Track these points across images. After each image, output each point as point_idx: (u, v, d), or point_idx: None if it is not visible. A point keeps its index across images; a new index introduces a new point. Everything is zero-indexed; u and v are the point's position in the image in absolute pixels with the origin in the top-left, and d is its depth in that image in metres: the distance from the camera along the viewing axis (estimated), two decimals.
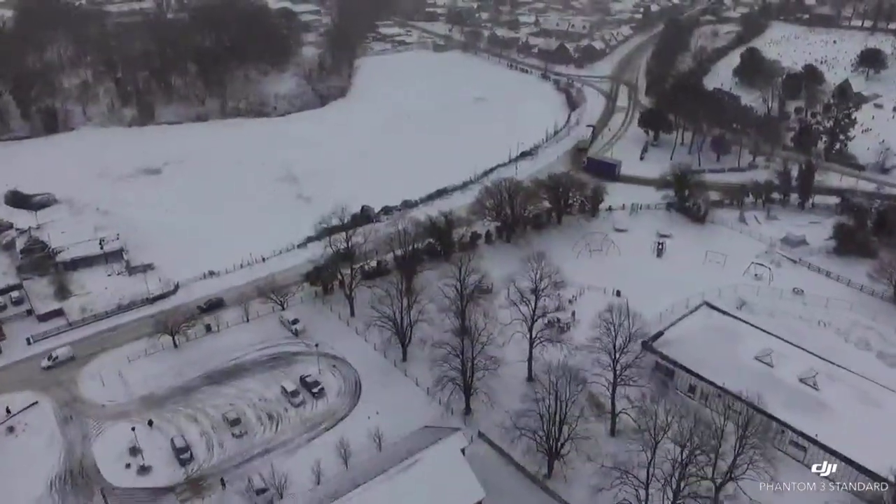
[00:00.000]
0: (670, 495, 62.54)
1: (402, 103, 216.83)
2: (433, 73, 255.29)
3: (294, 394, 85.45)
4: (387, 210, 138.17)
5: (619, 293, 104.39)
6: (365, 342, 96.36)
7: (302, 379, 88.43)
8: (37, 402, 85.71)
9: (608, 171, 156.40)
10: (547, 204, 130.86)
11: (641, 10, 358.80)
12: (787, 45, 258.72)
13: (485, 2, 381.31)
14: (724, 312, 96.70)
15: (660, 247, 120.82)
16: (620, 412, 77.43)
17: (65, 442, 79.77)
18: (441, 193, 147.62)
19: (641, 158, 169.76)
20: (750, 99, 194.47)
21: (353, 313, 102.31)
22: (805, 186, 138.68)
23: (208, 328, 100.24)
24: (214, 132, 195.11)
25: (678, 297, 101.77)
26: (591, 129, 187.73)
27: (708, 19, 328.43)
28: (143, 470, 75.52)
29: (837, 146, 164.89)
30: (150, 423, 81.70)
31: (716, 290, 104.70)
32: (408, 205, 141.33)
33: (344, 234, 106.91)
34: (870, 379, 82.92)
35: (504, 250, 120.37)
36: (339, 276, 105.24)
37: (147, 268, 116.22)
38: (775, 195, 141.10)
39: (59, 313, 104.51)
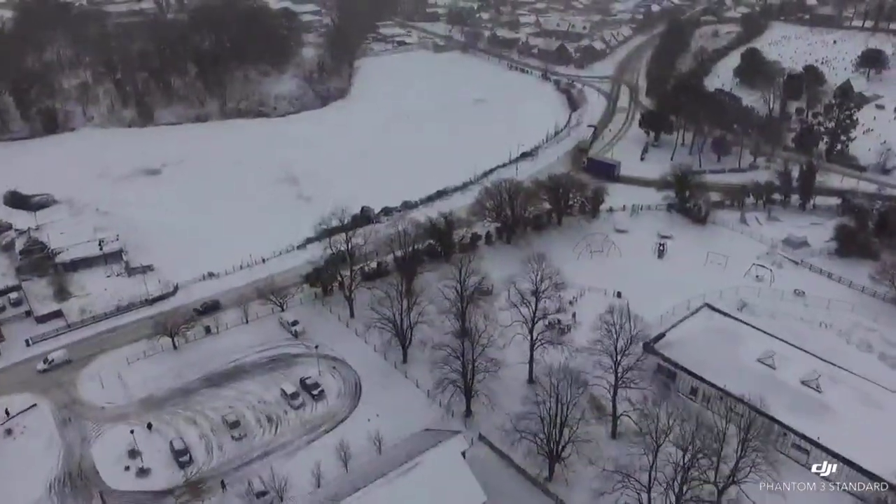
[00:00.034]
0: (673, 499, 62.09)
1: (402, 104, 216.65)
2: (433, 74, 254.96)
3: (294, 396, 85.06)
4: (387, 211, 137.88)
5: (619, 295, 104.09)
6: (365, 344, 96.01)
7: (302, 381, 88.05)
8: (35, 405, 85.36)
9: (608, 171, 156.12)
10: (547, 205, 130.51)
11: (642, 10, 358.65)
12: (787, 46, 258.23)
13: (485, 2, 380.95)
14: (726, 314, 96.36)
15: (661, 248, 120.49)
16: (622, 415, 77.04)
17: (63, 444, 79.42)
18: (441, 194, 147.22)
19: (642, 159, 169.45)
20: (751, 99, 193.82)
21: (352, 315, 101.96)
22: (806, 187, 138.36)
23: (208, 330, 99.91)
24: (214, 133, 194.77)
25: (679, 299, 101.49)
26: (593, 129, 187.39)
27: (708, 20, 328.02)
28: (142, 472, 75.24)
29: (839, 147, 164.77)
30: (150, 425, 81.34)
31: (717, 291, 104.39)
32: (408, 206, 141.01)
33: (344, 235, 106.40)
34: (871, 381, 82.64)
35: (504, 251, 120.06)
36: (339, 278, 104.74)
37: (146, 269, 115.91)
38: (776, 196, 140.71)
39: (58, 315, 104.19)
